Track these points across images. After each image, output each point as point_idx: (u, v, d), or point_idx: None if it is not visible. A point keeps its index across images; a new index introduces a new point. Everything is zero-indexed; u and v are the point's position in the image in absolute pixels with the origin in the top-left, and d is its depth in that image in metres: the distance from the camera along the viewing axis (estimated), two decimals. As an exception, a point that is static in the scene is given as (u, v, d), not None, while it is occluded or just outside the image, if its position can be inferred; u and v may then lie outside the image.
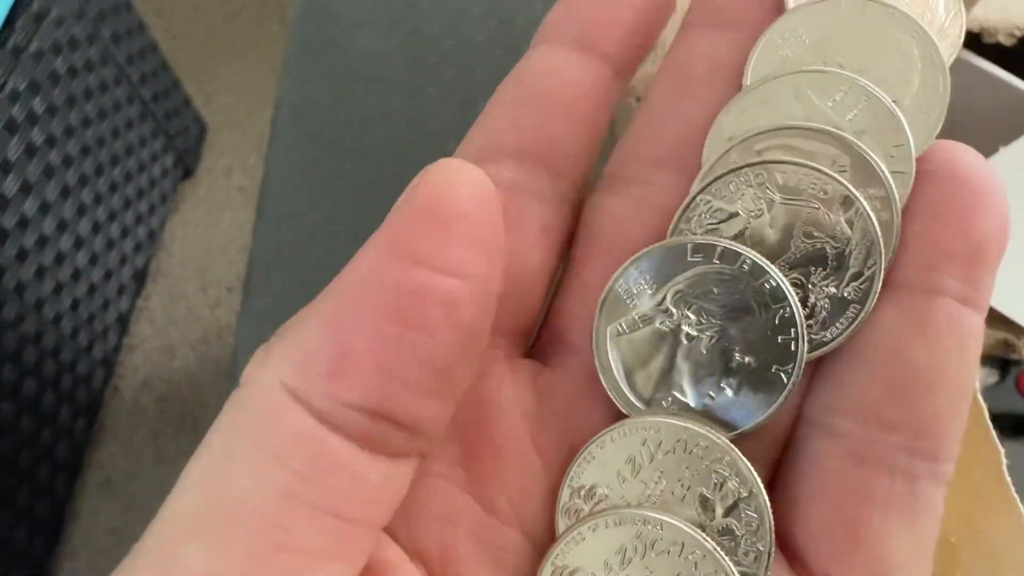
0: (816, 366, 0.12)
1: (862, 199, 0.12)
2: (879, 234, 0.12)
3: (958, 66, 0.38)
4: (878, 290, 0.12)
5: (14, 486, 0.82)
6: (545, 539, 0.13)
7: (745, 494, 0.12)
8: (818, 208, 0.12)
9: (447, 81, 0.52)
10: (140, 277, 1.11)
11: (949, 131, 0.37)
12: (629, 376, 0.13)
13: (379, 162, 0.47)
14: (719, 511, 0.12)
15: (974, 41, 0.36)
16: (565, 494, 0.12)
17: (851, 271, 0.12)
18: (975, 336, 0.11)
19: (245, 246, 1.20)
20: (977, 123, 0.39)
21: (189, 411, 1.03)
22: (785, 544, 0.12)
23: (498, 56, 0.53)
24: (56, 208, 0.91)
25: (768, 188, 0.12)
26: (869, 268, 0.12)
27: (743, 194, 0.12)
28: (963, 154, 0.12)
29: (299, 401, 0.10)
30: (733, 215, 0.12)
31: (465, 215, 0.11)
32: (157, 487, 0.97)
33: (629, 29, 0.14)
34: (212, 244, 1.19)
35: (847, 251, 0.12)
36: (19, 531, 0.83)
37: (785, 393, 0.12)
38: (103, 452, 0.99)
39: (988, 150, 0.39)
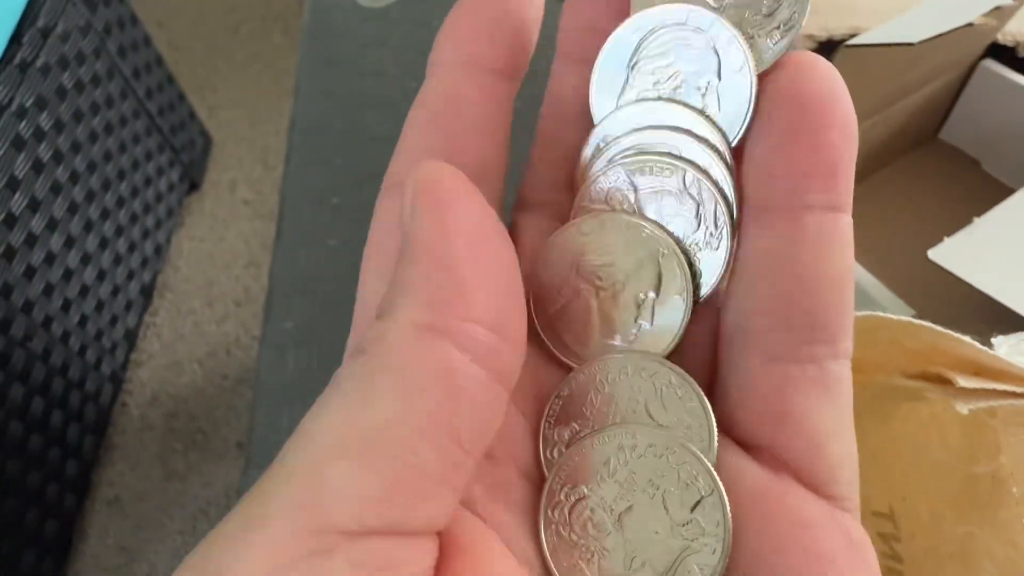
0: (725, 288, 0.15)
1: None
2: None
3: (990, 78, 0.38)
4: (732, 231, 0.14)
5: (23, 507, 0.82)
6: (536, 475, 0.15)
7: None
8: None
9: (463, 100, 0.51)
10: (147, 292, 1.10)
11: (981, 145, 0.36)
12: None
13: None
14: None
15: (1008, 55, 0.36)
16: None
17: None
18: (846, 233, 0.13)
19: (252, 260, 1.19)
20: (1011, 136, 0.38)
21: (198, 427, 1.02)
22: (731, 436, 0.14)
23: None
24: (64, 224, 0.90)
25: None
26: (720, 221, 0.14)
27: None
28: (805, 66, 0.13)
29: (437, 333, 0.12)
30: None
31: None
32: (166, 504, 0.96)
33: (508, 41, 0.15)
34: (218, 258, 1.19)
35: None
36: (28, 552, 0.82)
37: (686, 310, 0.14)
38: (111, 470, 0.99)
39: (1021, 163, 0.39)
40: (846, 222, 0.13)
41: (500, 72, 0.16)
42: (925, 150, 0.42)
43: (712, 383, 0.15)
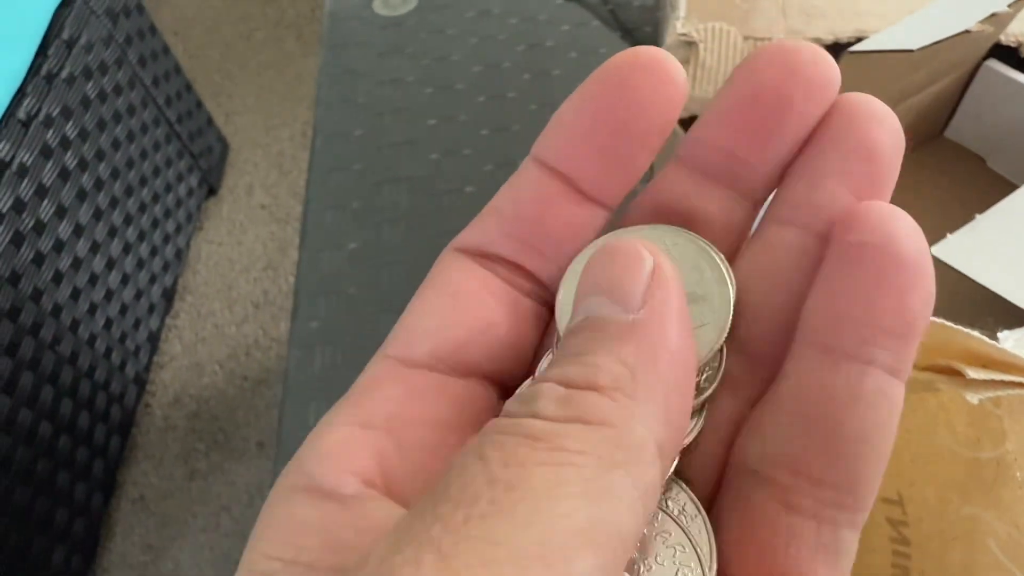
0: (749, 416, 0.13)
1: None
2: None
3: (993, 78, 0.39)
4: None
5: (52, 506, 0.84)
6: None
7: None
8: None
9: (478, 107, 0.53)
10: (169, 296, 1.13)
11: (986, 143, 0.37)
12: None
13: (414, 190, 0.49)
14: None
15: (1011, 55, 0.37)
16: None
17: None
18: (899, 405, 0.12)
19: (269, 263, 1.21)
20: (1016, 134, 0.39)
21: (219, 427, 1.04)
22: (720, 565, 0.13)
23: (527, 80, 0.54)
24: (89, 230, 0.93)
25: None
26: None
27: None
28: (899, 225, 0.12)
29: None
30: None
31: None
32: (189, 503, 0.98)
33: (517, 245, 0.14)
34: (237, 262, 1.21)
35: None
36: (58, 551, 0.85)
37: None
38: (136, 470, 1.01)
39: None
40: (900, 392, 0.12)
41: (508, 268, 0.14)
42: (931, 148, 0.43)
43: (712, 498, 0.13)
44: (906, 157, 0.42)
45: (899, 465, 0.21)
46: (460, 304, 0.13)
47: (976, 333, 0.16)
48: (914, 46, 0.25)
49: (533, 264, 0.14)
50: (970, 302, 0.31)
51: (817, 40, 0.39)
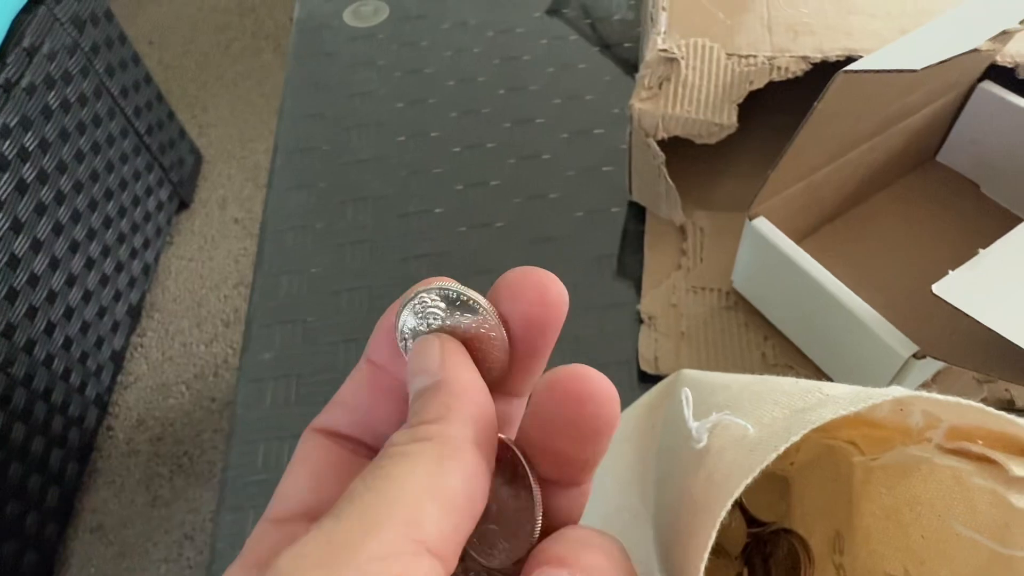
0: None
1: None
2: None
3: (989, 99, 0.37)
4: None
5: (0, 539, 0.79)
6: None
7: None
8: None
9: (450, 122, 0.50)
10: (135, 313, 1.09)
11: (980, 168, 0.34)
12: None
13: (380, 210, 0.46)
14: None
15: (1007, 76, 0.35)
16: None
17: None
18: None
19: (241, 280, 1.17)
20: (1011, 159, 0.37)
21: (184, 451, 1.00)
22: None
23: (502, 96, 0.51)
24: (48, 245, 0.89)
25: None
26: None
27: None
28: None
29: None
30: None
31: None
32: (151, 531, 0.94)
33: (358, 428, 0.18)
34: (207, 278, 1.17)
35: None
36: (7, 582, 0.80)
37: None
38: (95, 497, 0.96)
39: (1020, 187, 0.38)
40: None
41: None
42: (923, 172, 0.41)
43: None
44: (897, 182, 0.40)
45: (906, 539, 0.19)
46: (319, 473, 0.17)
47: (1021, 420, 0.13)
48: (917, 66, 0.22)
49: (368, 438, 0.17)
50: (970, 341, 0.29)
51: (804, 57, 0.37)
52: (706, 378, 0.20)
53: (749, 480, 0.12)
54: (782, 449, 0.12)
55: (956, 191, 0.40)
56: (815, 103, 0.27)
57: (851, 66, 0.24)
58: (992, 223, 0.38)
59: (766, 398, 0.15)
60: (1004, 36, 0.27)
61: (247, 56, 1.53)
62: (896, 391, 0.14)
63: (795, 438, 0.13)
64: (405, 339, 0.17)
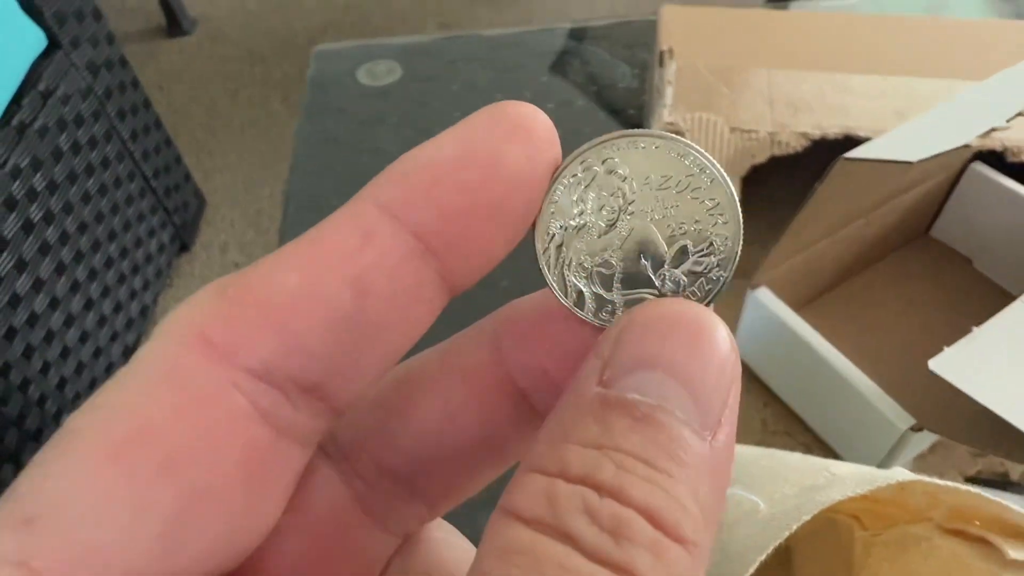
0: None
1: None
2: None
3: (979, 180, 0.39)
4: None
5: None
6: None
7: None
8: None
9: (459, 181, 0.51)
10: (129, 354, 1.08)
11: (972, 244, 0.36)
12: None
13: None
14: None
15: (996, 158, 0.36)
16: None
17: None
18: None
19: (238, 323, 1.18)
20: (1001, 236, 0.39)
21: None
22: None
23: (510, 157, 0.53)
24: (49, 285, 0.89)
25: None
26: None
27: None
28: None
29: None
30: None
31: None
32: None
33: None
34: (204, 320, 1.18)
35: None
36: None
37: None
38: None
39: (1011, 264, 0.39)
40: None
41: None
42: (917, 246, 0.42)
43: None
44: (891, 256, 0.41)
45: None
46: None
47: (1019, 508, 0.14)
48: (913, 158, 0.24)
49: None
50: (966, 416, 0.30)
51: (804, 134, 0.39)
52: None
53: (763, 557, 0.13)
54: (795, 528, 0.13)
55: (949, 265, 0.41)
56: (816, 184, 0.29)
57: (850, 153, 0.25)
58: (984, 298, 0.39)
59: (777, 473, 0.16)
60: (992, 133, 0.28)
61: (255, 104, 1.56)
62: (900, 474, 0.14)
63: (806, 518, 0.13)
64: (552, 239, 0.12)
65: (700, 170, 0.12)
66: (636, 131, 0.12)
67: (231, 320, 0.11)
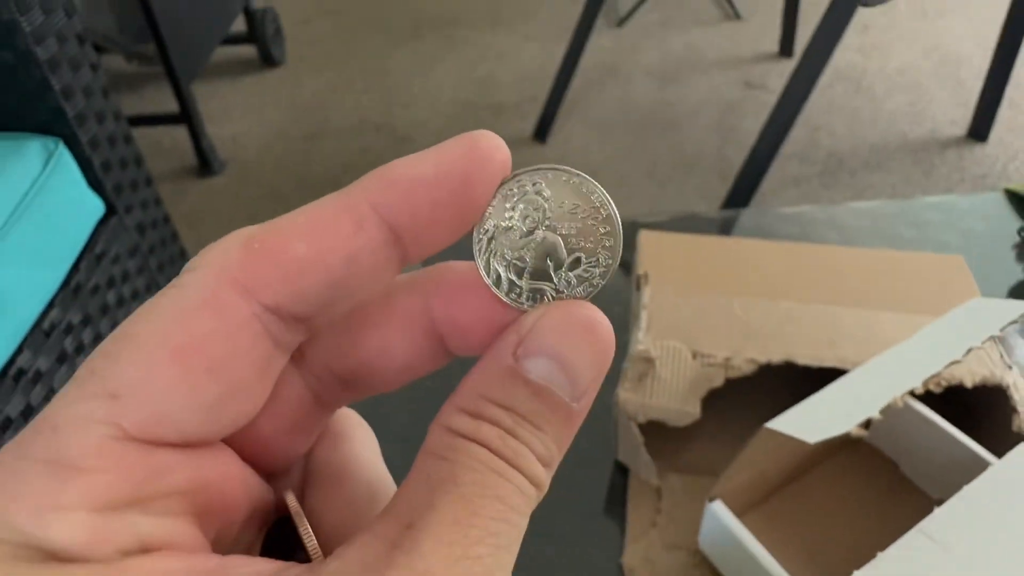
0: None
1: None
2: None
3: (911, 416, 0.47)
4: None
5: None
6: None
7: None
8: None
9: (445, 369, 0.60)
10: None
11: (898, 450, 0.44)
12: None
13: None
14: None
15: (929, 394, 0.45)
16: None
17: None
18: None
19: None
20: (921, 451, 0.47)
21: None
22: None
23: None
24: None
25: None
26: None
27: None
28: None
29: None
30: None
31: None
32: None
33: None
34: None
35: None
36: None
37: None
38: None
39: (930, 473, 0.47)
40: None
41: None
42: (852, 450, 0.50)
43: None
44: (826, 460, 0.49)
45: None
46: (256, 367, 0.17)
47: None
48: (811, 440, 0.32)
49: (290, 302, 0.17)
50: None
51: (752, 360, 0.48)
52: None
53: None
54: None
55: (879, 469, 0.49)
56: (751, 438, 0.37)
57: (770, 423, 0.34)
58: (909, 501, 0.47)
59: None
60: (869, 422, 0.37)
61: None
62: None
63: None
64: (487, 237, 0.17)
65: (601, 206, 0.17)
66: (562, 167, 0.17)
67: (255, 269, 0.15)
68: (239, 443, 0.17)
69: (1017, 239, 0.66)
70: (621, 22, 2.22)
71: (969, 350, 0.38)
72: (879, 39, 2.10)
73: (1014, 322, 0.38)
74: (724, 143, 1.79)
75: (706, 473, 0.49)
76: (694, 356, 0.49)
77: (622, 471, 0.52)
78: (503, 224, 0.17)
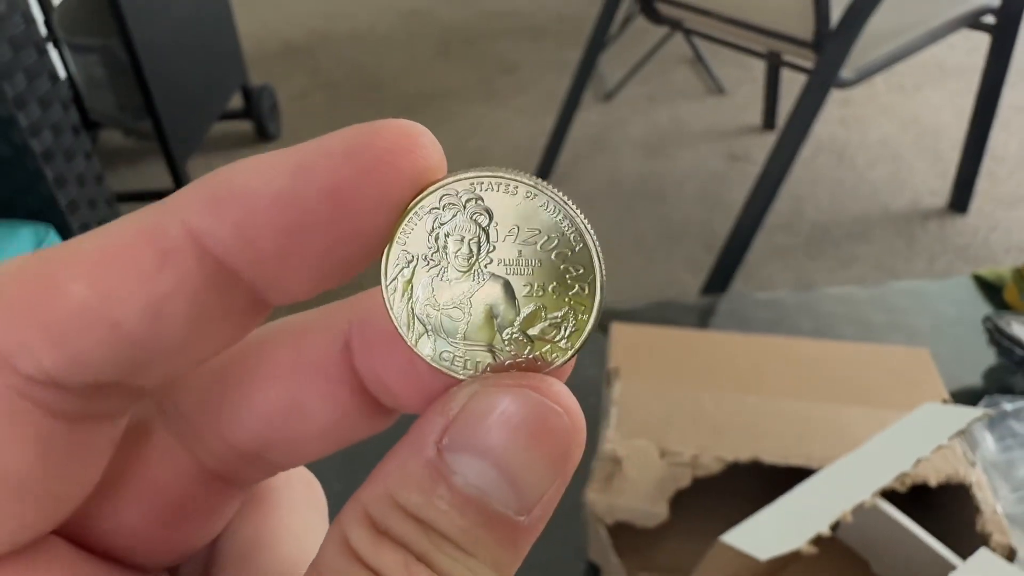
0: None
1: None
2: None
3: (878, 516, 0.47)
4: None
5: None
6: None
7: None
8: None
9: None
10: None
11: (868, 550, 0.44)
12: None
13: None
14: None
15: (894, 492, 0.45)
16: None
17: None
18: None
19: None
20: (890, 549, 0.47)
21: None
22: None
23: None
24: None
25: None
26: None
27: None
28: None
29: None
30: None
31: None
32: None
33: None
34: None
35: None
36: None
37: None
38: None
39: (901, 572, 0.47)
40: None
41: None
42: (825, 547, 0.50)
43: None
44: (801, 557, 0.49)
45: None
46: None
47: None
48: (762, 556, 0.33)
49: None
50: None
51: (720, 458, 0.48)
52: None
53: None
54: None
55: (851, 566, 0.49)
56: (711, 547, 0.37)
57: (724, 536, 0.34)
58: (881, 601, 0.47)
59: None
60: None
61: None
62: None
63: None
64: (408, 264, 0.12)
65: (573, 235, 0.11)
66: (516, 173, 0.11)
67: (10, 327, 0.10)
68: (97, 539, 0.13)
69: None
70: (609, 96, 2.29)
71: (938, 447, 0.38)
72: (860, 112, 2.16)
73: (962, 431, 0.39)
74: (710, 214, 1.83)
75: (677, 572, 0.49)
76: (662, 455, 0.49)
77: (594, 570, 0.51)
78: (424, 257, 0.12)
